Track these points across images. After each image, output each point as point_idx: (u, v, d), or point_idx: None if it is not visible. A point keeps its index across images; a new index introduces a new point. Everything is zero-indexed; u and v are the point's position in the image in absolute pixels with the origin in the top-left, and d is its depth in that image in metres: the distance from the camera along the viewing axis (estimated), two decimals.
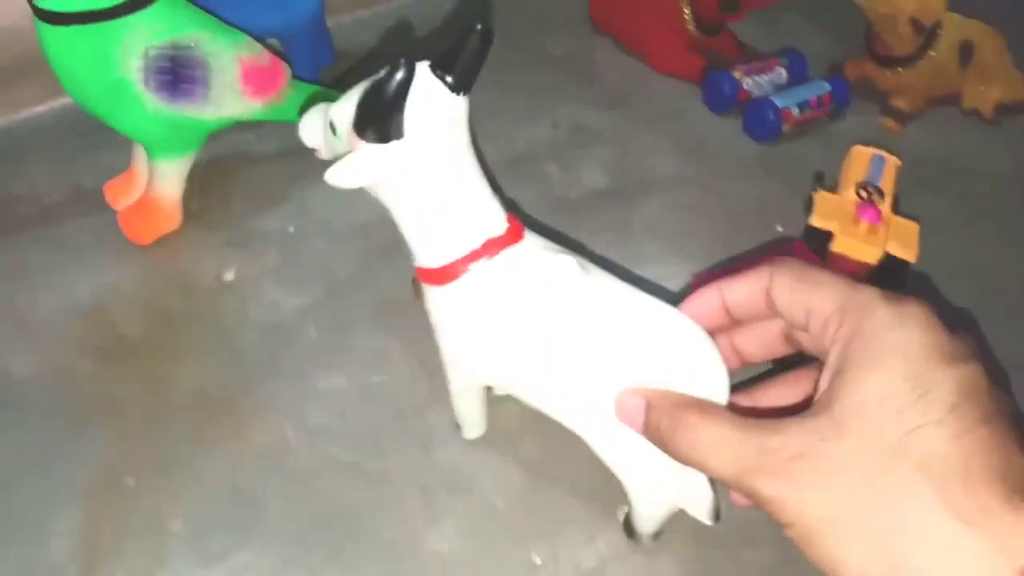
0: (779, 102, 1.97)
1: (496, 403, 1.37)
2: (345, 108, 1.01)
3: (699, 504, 1.11)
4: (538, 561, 1.23)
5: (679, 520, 1.24)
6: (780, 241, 1.63)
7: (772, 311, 0.83)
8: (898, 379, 0.56)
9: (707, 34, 2.16)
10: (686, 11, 2.16)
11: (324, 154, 1.11)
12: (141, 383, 1.37)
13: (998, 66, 2.12)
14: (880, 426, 0.55)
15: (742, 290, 0.87)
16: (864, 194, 1.61)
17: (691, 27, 2.17)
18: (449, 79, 1.02)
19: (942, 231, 1.84)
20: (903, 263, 1.56)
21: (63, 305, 1.46)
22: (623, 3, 2.25)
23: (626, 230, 1.77)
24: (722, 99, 2.07)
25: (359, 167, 1.00)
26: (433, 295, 1.10)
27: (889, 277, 1.60)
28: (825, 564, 0.63)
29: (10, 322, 1.43)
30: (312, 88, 1.82)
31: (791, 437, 0.59)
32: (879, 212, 1.57)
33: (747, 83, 2.05)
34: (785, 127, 1.99)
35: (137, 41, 1.36)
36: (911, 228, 1.59)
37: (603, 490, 1.32)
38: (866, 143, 1.87)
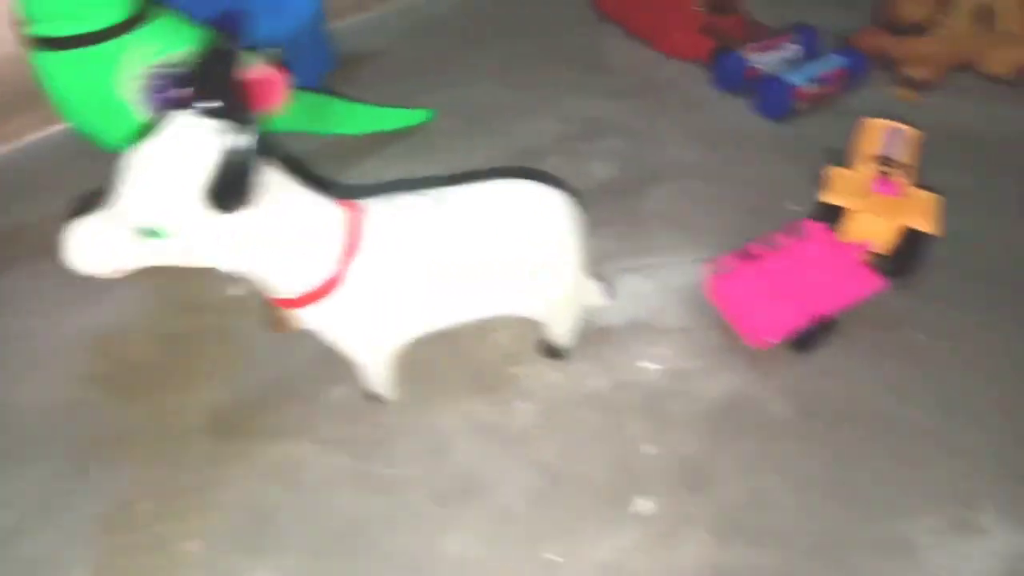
0: (791, 79, 1.92)
1: (505, 404, 1.36)
2: (161, 206, 0.93)
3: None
4: (557, 559, 1.21)
5: (698, 512, 1.22)
6: (795, 220, 1.58)
7: None
8: None
9: (716, 13, 2.12)
10: None
11: (119, 270, 1.01)
12: (153, 408, 1.38)
13: (1021, 27, 2.04)
14: None
15: None
16: (883, 168, 1.56)
17: (700, 7, 2.13)
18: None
19: (964, 204, 1.78)
20: (924, 236, 1.51)
21: (72, 333, 1.47)
22: None
23: (636, 219, 1.74)
24: (731, 79, 2.02)
25: (226, 242, 0.97)
26: (320, 311, 1.11)
27: (909, 251, 1.54)
28: None
29: (20, 353, 1.45)
30: (315, 96, 1.82)
31: None
32: (897, 186, 1.52)
33: (757, 62, 2.00)
34: (798, 104, 1.94)
35: (134, 60, 1.37)
36: (930, 200, 1.53)
37: (618, 485, 1.30)
38: (881, 115, 1.81)
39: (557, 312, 1.34)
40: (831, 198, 1.52)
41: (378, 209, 1.12)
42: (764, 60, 2.00)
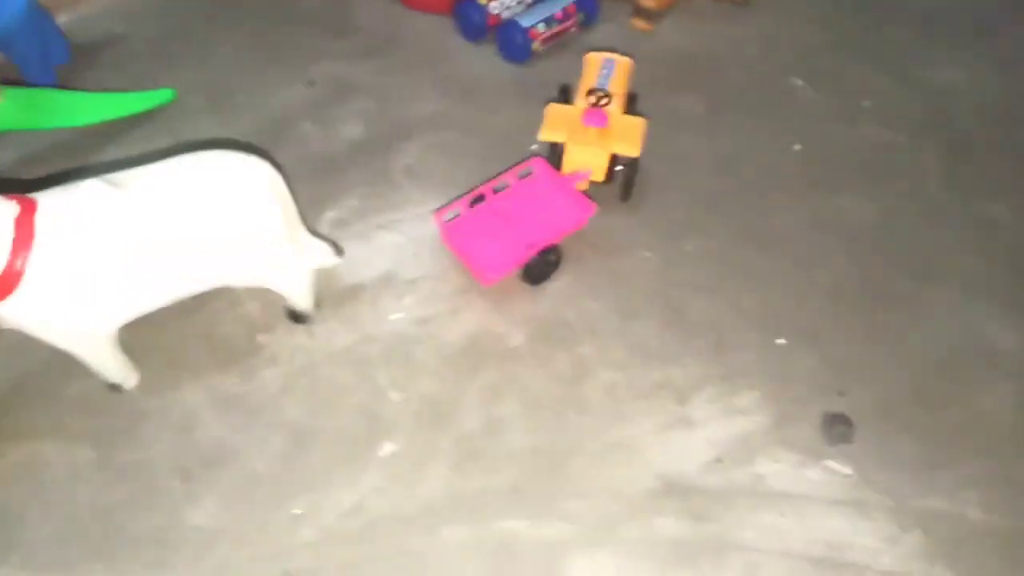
0: (525, 22, 1.99)
1: (252, 373, 1.39)
2: None
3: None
4: (298, 512, 1.27)
5: (438, 447, 1.30)
6: (525, 160, 1.66)
7: None
8: None
9: None
10: None
11: None
12: None
13: None
14: None
15: None
16: (593, 99, 1.66)
17: None
18: None
19: (698, 126, 1.92)
20: (630, 160, 1.63)
21: None
22: None
23: (386, 178, 1.78)
24: (474, 28, 2.07)
25: None
26: (9, 307, 1.11)
27: (624, 176, 1.66)
28: None
29: None
30: (35, 92, 1.76)
31: None
32: (605, 115, 1.62)
33: (495, 7, 2.05)
34: (535, 45, 2.02)
35: None
36: (636, 125, 1.65)
37: (364, 434, 1.37)
38: (619, 49, 1.92)
39: (280, 278, 1.38)
40: (546, 135, 1.61)
41: (52, 200, 1.12)
42: (503, 6, 2.06)
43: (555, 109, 1.66)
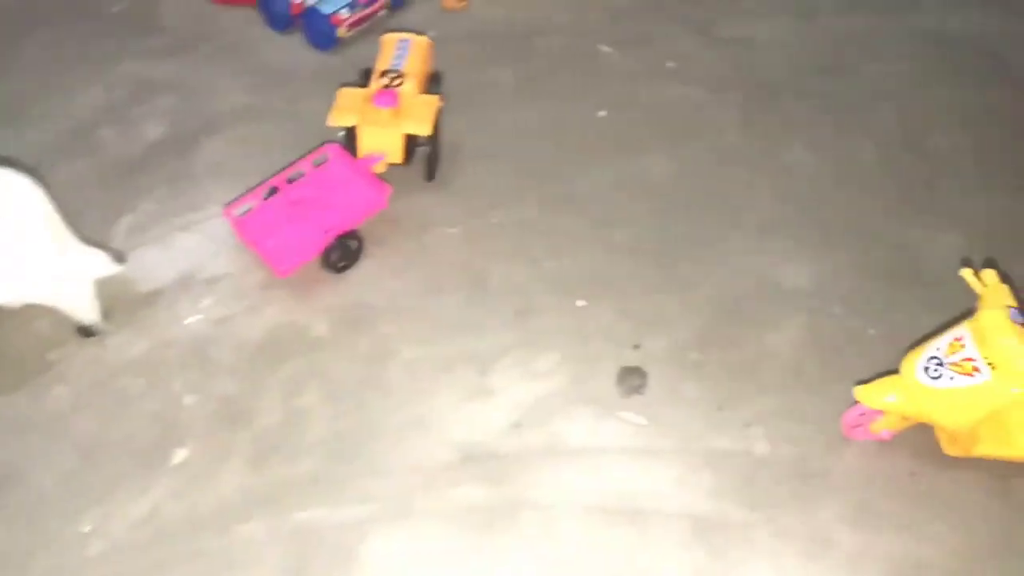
0: (327, 8, 1.96)
1: (42, 391, 1.35)
2: None
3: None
4: (87, 529, 1.23)
5: (234, 445, 1.28)
6: (319, 147, 1.64)
7: None
8: None
9: None
10: None
11: None
12: None
13: None
14: None
15: None
16: (386, 80, 1.65)
17: None
18: None
19: (506, 99, 1.94)
20: (424, 140, 1.63)
21: None
22: None
23: (188, 176, 1.74)
24: (279, 18, 2.03)
25: None
26: None
27: (414, 153, 1.67)
28: None
29: None
30: None
31: None
32: (395, 96, 1.61)
33: None
34: (341, 31, 1.99)
35: None
36: (428, 103, 1.65)
37: (156, 442, 1.34)
38: (432, 28, 1.92)
39: (53, 294, 1.34)
40: (336, 119, 1.59)
41: None
42: None
43: (346, 93, 1.64)
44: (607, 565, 1.22)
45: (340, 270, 1.55)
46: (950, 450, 1.27)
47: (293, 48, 2.04)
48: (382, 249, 1.60)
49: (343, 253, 1.54)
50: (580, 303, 1.54)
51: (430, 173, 1.68)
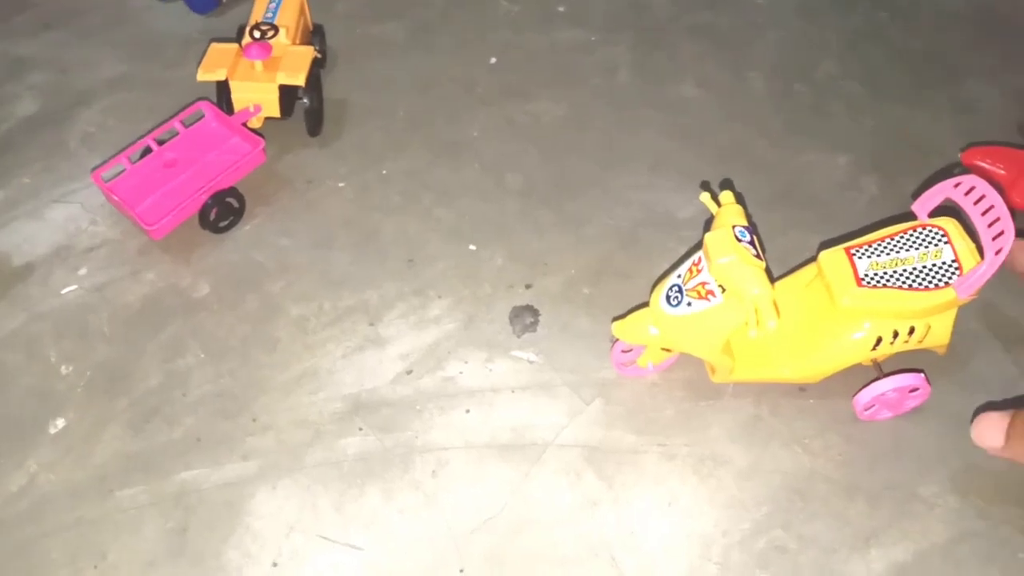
0: None
1: None
2: None
3: None
4: None
5: (113, 411, 1.23)
6: (190, 105, 1.59)
7: None
8: None
9: None
10: None
11: None
12: None
13: None
14: None
15: None
16: (258, 34, 1.60)
17: None
18: None
19: (396, 52, 1.90)
20: (296, 89, 1.59)
21: None
22: None
23: (62, 149, 1.67)
24: None
25: None
26: None
27: (294, 106, 1.62)
28: None
29: None
30: None
31: None
32: (267, 48, 1.57)
33: None
34: None
35: None
36: (303, 54, 1.60)
37: (34, 414, 1.29)
38: None
39: None
40: (204, 75, 1.54)
41: None
42: None
43: (217, 48, 1.59)
44: (498, 499, 1.20)
45: (221, 230, 1.51)
46: (714, 377, 1.25)
47: (173, 13, 1.98)
48: (267, 207, 1.56)
49: (222, 212, 1.49)
50: (471, 247, 1.52)
51: (312, 127, 1.64)
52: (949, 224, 1.21)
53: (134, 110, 1.74)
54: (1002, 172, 1.46)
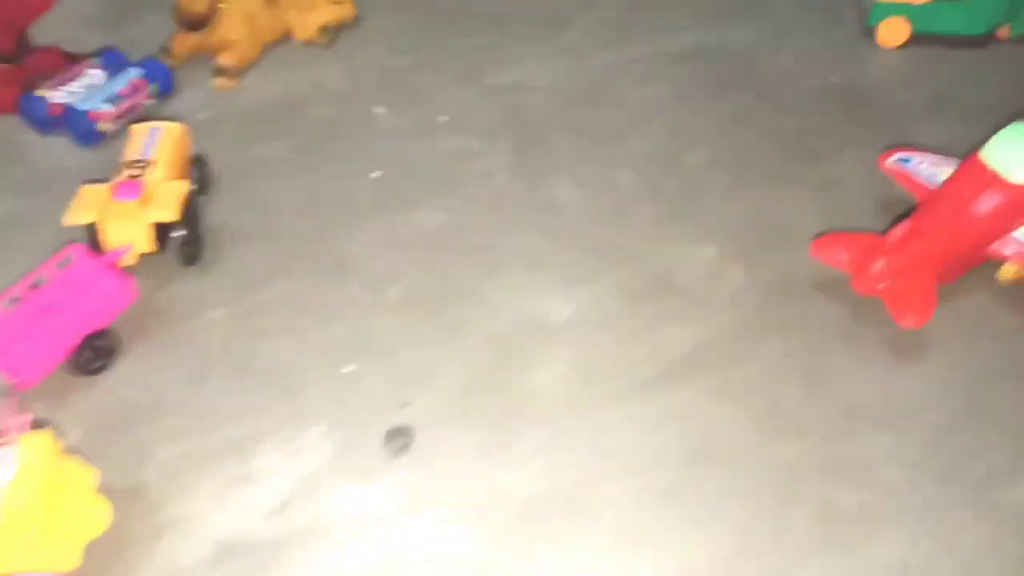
0: (83, 105, 1.93)
1: None
2: None
3: None
4: None
5: None
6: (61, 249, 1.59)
7: None
8: None
9: (6, 62, 2.07)
10: None
11: None
12: None
13: None
14: None
15: None
16: (131, 171, 1.62)
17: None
18: None
19: (282, 170, 1.94)
20: (186, 224, 1.61)
21: None
22: None
23: None
24: (40, 122, 1.99)
25: None
26: None
27: (167, 240, 1.63)
28: None
29: None
30: None
31: None
32: (137, 185, 1.59)
33: (58, 96, 1.98)
34: (104, 126, 1.96)
35: None
36: (175, 189, 1.63)
37: None
38: (205, 110, 1.92)
39: None
40: (72, 218, 1.56)
41: None
42: (67, 92, 1.99)
43: (87, 190, 1.61)
44: None
45: (94, 372, 1.50)
46: None
47: (61, 148, 2.00)
48: (143, 343, 1.56)
49: (94, 354, 1.49)
50: (348, 368, 1.52)
51: (188, 258, 1.66)
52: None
53: (23, 248, 1.73)
54: (846, 261, 1.51)
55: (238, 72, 2.16)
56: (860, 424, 1.41)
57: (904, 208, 1.66)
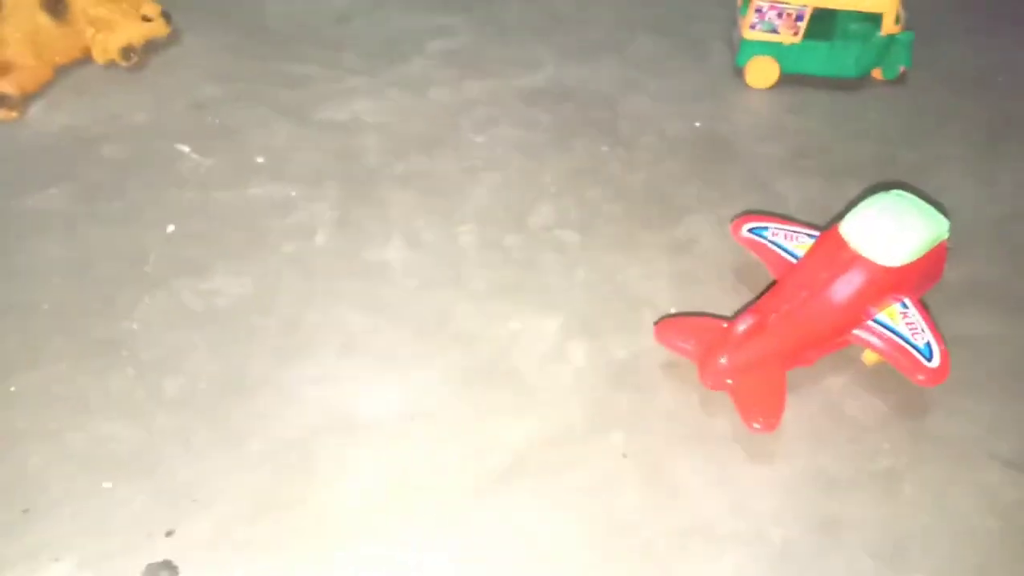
0: None
1: None
2: None
3: None
4: None
5: None
6: None
7: None
8: None
9: None
10: None
11: None
12: None
13: (107, 12, 1.92)
14: None
15: None
16: None
17: None
18: None
19: (55, 224, 1.63)
20: None
21: None
22: None
23: None
24: None
25: None
26: None
27: None
28: None
29: None
30: None
31: None
32: None
33: None
34: None
35: None
36: None
37: None
38: None
39: None
40: None
41: None
42: None
43: None
44: None
45: None
46: None
47: None
48: None
49: None
50: (106, 486, 1.25)
51: None
52: None
53: None
54: (691, 351, 1.35)
55: (22, 100, 1.84)
56: (704, 539, 1.23)
57: (762, 275, 1.52)
